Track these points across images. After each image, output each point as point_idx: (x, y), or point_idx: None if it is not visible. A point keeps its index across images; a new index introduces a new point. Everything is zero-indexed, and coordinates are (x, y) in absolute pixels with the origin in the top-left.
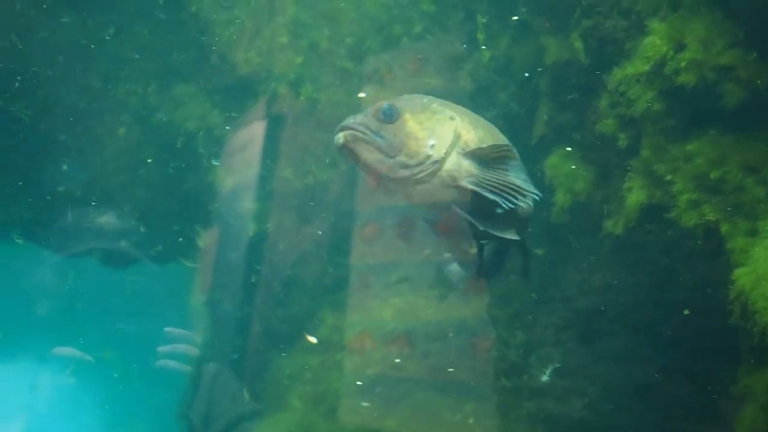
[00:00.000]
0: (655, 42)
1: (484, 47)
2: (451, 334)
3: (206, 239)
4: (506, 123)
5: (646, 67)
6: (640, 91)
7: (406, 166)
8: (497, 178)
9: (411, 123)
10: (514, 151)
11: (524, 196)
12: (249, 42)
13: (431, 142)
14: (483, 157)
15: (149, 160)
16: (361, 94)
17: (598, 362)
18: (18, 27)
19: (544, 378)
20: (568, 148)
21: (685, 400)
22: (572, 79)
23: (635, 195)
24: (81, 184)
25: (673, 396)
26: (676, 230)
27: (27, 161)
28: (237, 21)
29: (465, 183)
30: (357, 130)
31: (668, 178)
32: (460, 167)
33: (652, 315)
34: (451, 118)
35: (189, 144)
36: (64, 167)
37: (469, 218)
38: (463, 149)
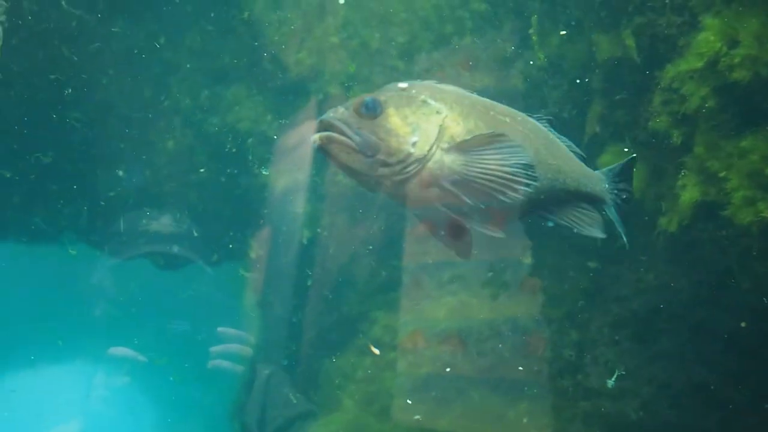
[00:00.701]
0: (708, 38)
1: (536, 46)
2: (504, 333)
3: (258, 241)
4: (558, 121)
5: (700, 64)
6: (693, 87)
7: (386, 165)
8: (480, 173)
9: (394, 118)
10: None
11: (515, 185)
12: (300, 43)
13: (413, 139)
14: (466, 151)
15: (201, 167)
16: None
17: (653, 362)
18: (70, 36)
19: (610, 384)
20: (625, 149)
21: (742, 400)
22: (624, 77)
23: (689, 192)
24: (135, 189)
25: (729, 396)
26: (731, 228)
27: (81, 167)
28: (288, 23)
29: (445, 184)
30: (334, 128)
31: (722, 174)
32: (442, 165)
33: (708, 314)
34: (438, 112)
35: (241, 146)
36: (118, 173)
37: (457, 218)
38: (448, 144)
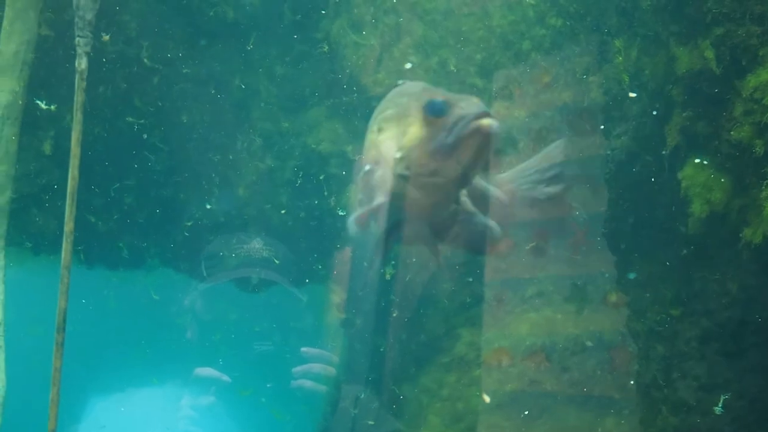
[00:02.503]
0: None
1: (621, 67)
2: (589, 348)
3: (340, 260)
4: (639, 134)
5: None
6: None
7: None
8: None
9: None
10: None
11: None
12: (378, 63)
13: None
14: None
15: (283, 190)
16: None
17: (744, 376)
18: (152, 57)
19: (718, 410)
20: (704, 161)
21: None
22: (705, 88)
23: None
24: (222, 211)
25: None
26: None
27: (166, 190)
28: (366, 43)
29: None
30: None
31: None
32: None
33: None
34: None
35: (323, 167)
36: (204, 195)
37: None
38: None
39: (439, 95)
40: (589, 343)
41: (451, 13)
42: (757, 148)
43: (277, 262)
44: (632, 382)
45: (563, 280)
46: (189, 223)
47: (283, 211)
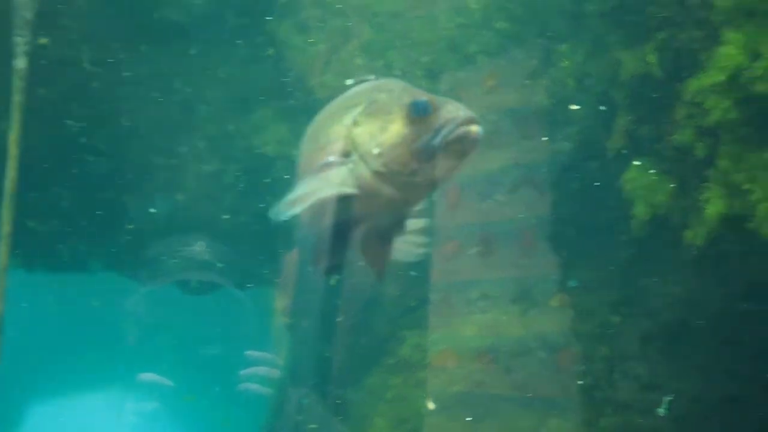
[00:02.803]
0: (730, 52)
1: (564, 61)
2: (534, 350)
3: (286, 262)
4: (583, 138)
5: (722, 77)
6: (715, 101)
7: None
8: None
9: None
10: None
11: None
12: (325, 65)
13: None
14: None
15: (229, 192)
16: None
17: (684, 375)
18: (96, 58)
19: (662, 412)
20: (647, 165)
21: None
22: (648, 92)
23: (714, 206)
24: (164, 214)
25: (761, 410)
26: (756, 240)
27: (108, 193)
28: (313, 45)
29: None
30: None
31: (746, 187)
32: None
33: (737, 327)
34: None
35: (269, 169)
36: (148, 197)
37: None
38: None
39: (422, 95)
40: (534, 345)
41: (399, 16)
42: (699, 151)
43: (219, 265)
44: (576, 383)
45: (509, 283)
46: (130, 227)
47: (226, 217)
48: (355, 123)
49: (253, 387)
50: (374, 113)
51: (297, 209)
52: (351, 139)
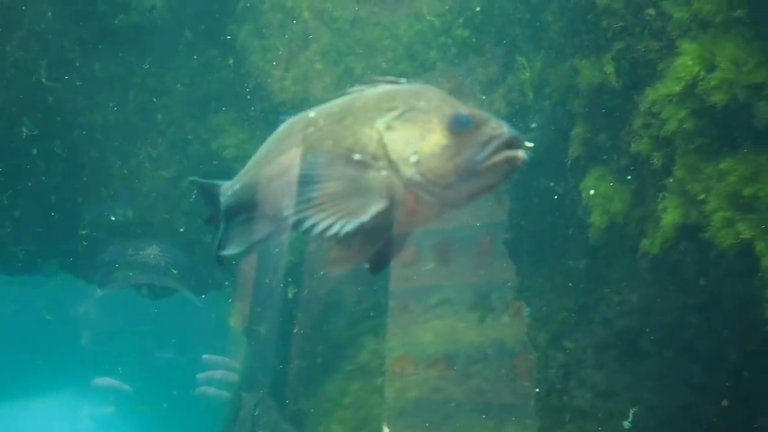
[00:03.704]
0: (686, 62)
1: (524, 69)
2: (491, 356)
3: (245, 267)
4: (542, 145)
5: (678, 88)
6: (672, 111)
7: None
8: None
9: None
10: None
11: None
12: (284, 70)
13: None
14: None
15: (187, 195)
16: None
17: (639, 383)
18: (54, 60)
19: (627, 424)
20: (605, 173)
21: (728, 419)
22: (605, 101)
23: (670, 215)
24: (122, 217)
25: (715, 417)
26: (712, 249)
27: (66, 196)
28: (272, 49)
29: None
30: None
31: (702, 197)
32: None
33: (693, 335)
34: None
35: (227, 172)
36: (105, 200)
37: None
38: None
39: (462, 107)
40: (491, 352)
41: (359, 22)
42: (656, 161)
43: (173, 269)
44: (533, 390)
45: (467, 289)
46: (84, 232)
47: (181, 230)
48: (389, 127)
49: (211, 391)
50: (412, 120)
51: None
52: (382, 144)
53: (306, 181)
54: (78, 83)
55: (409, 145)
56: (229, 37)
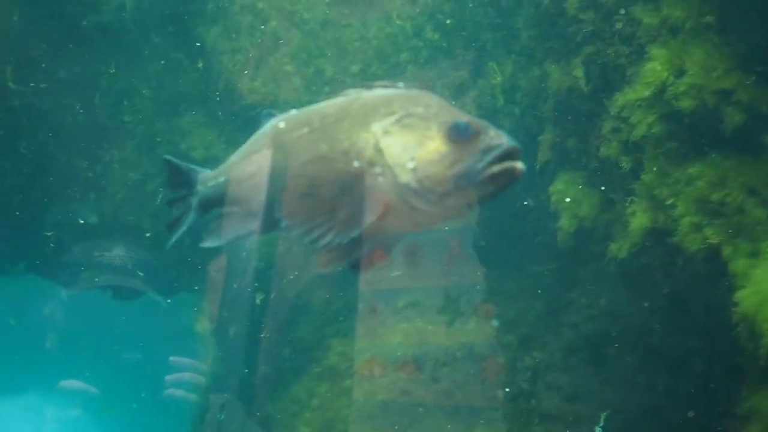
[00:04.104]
0: (655, 68)
1: (495, 74)
2: (460, 359)
3: (214, 269)
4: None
5: (647, 93)
6: (641, 116)
7: None
8: None
9: None
10: None
11: None
12: (255, 71)
13: None
14: None
15: (155, 196)
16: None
17: (605, 386)
18: (20, 61)
19: (598, 430)
20: (574, 177)
21: (693, 422)
22: (575, 105)
23: (639, 219)
24: (89, 217)
25: (680, 418)
26: (679, 253)
27: (33, 196)
28: (242, 50)
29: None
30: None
31: (670, 201)
32: None
33: (659, 339)
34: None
35: None
36: (72, 201)
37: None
38: None
39: (461, 115)
40: (459, 354)
41: (329, 24)
42: (624, 165)
43: (138, 271)
44: (501, 393)
45: (436, 292)
46: (49, 233)
47: (148, 234)
48: (386, 132)
49: (179, 393)
50: (410, 126)
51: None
52: (379, 149)
53: (300, 185)
54: (44, 85)
55: (406, 151)
56: (198, 39)
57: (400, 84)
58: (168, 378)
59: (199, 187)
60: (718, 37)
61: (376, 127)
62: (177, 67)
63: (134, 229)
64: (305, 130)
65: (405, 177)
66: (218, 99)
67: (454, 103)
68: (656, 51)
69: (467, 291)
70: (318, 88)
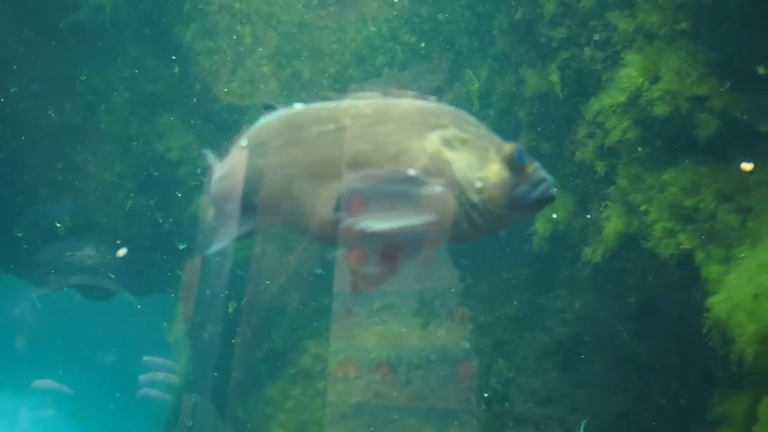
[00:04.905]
0: (630, 73)
1: (472, 80)
2: (434, 362)
3: (188, 269)
4: None
5: (622, 98)
6: (616, 121)
7: None
8: None
9: None
10: None
11: None
12: (232, 72)
13: None
14: None
15: (130, 196)
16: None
17: (578, 390)
18: None
19: None
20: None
21: (664, 426)
22: (551, 110)
23: (613, 224)
24: (63, 217)
25: (651, 424)
26: (653, 259)
27: (6, 196)
28: (220, 51)
29: None
30: None
31: (644, 207)
32: None
33: (632, 343)
34: None
35: (172, 174)
36: (46, 202)
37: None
38: None
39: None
40: (433, 357)
41: (306, 26)
42: (599, 170)
43: (112, 270)
44: (475, 396)
45: (411, 295)
46: (21, 234)
47: (118, 243)
48: (448, 144)
49: (153, 393)
50: (469, 143)
51: (385, 225)
52: (443, 161)
53: (353, 182)
54: (17, 87)
55: (472, 170)
56: (175, 40)
57: (432, 98)
58: (142, 378)
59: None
60: (693, 43)
61: (433, 137)
62: (153, 68)
63: (108, 230)
64: (331, 126)
65: (472, 195)
66: (195, 100)
67: (435, 94)
68: (631, 57)
69: (442, 294)
70: (295, 90)
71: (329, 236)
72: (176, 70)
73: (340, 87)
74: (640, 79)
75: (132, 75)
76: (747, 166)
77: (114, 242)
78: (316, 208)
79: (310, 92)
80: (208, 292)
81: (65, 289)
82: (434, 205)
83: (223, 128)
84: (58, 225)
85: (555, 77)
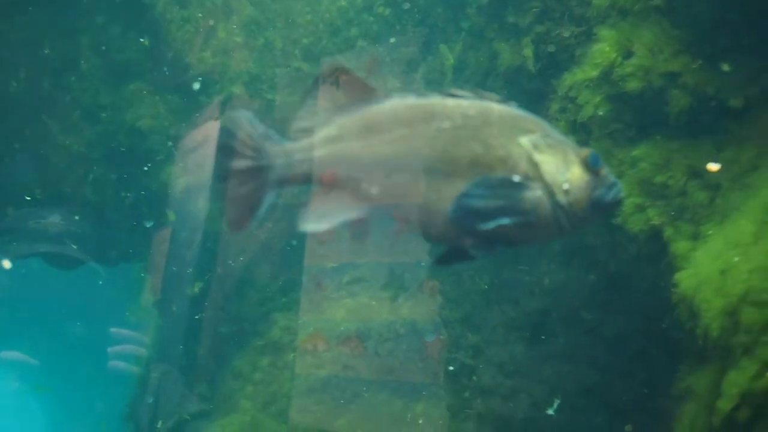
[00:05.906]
0: (603, 49)
1: (447, 56)
2: (403, 335)
3: (158, 239)
4: None
5: (595, 73)
6: (588, 96)
7: None
8: None
9: None
10: None
11: None
12: (204, 41)
13: None
14: None
15: (98, 164)
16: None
17: (545, 363)
18: None
19: (551, 412)
20: None
21: (629, 400)
22: (524, 84)
23: None
24: (30, 184)
25: (617, 396)
26: (622, 234)
27: None
28: (192, 20)
29: None
30: None
31: None
32: None
33: (599, 317)
34: None
35: (141, 143)
36: (12, 167)
37: None
38: None
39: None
40: (402, 330)
41: None
42: None
43: (77, 238)
44: (443, 369)
45: (381, 267)
46: None
47: (87, 210)
48: (537, 148)
49: (121, 365)
50: (553, 147)
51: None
52: (536, 164)
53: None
54: None
55: (559, 173)
56: (147, 6)
57: (513, 103)
58: (110, 350)
59: (278, 160)
60: (667, 20)
61: (525, 142)
62: (125, 34)
63: (77, 198)
64: (447, 124)
65: (561, 196)
66: (166, 69)
67: (399, 83)
68: (605, 32)
69: (412, 267)
70: (268, 60)
71: (438, 229)
72: (148, 37)
73: (313, 59)
74: (613, 55)
75: (102, 42)
76: (713, 167)
77: (81, 210)
78: (432, 203)
79: (282, 63)
80: (176, 263)
81: (31, 257)
82: (534, 208)
83: (194, 97)
84: (28, 198)
85: (528, 52)
